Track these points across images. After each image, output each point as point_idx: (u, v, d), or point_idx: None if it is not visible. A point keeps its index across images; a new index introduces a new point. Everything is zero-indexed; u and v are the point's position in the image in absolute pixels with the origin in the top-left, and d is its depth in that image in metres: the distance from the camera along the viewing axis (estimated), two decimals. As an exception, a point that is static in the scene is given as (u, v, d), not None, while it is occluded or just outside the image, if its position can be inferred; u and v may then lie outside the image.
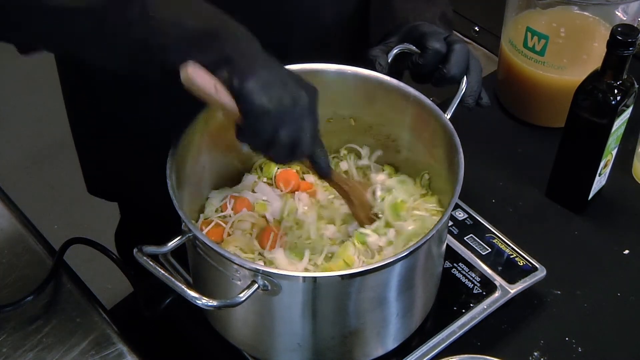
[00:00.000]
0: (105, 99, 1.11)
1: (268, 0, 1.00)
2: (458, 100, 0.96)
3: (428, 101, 0.93)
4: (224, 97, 0.76)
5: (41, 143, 2.52)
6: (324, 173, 0.89)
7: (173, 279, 0.78)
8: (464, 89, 0.96)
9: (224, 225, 0.94)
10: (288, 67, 0.94)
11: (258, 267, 0.78)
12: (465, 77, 0.96)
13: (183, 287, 0.77)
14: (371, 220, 0.94)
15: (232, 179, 1.01)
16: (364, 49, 1.00)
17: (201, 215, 0.97)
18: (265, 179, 1.01)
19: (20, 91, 2.73)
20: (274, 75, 0.77)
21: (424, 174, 0.99)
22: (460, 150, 0.87)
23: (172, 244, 0.81)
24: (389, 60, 0.97)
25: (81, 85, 1.15)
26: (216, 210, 0.97)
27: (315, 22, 1.06)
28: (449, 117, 0.92)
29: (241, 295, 0.77)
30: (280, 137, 0.78)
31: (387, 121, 0.99)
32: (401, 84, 0.95)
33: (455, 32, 1.03)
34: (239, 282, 0.80)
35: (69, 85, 1.18)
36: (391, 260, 0.79)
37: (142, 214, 1.33)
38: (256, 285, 0.78)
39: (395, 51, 0.98)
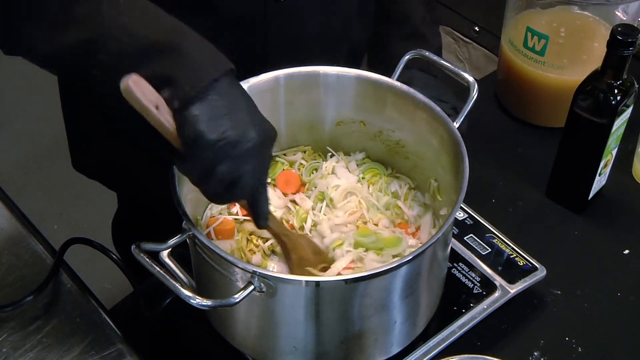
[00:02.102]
0: (102, 98, 1.11)
1: (243, 9, 0.98)
2: (468, 108, 0.94)
3: (437, 108, 0.92)
4: (166, 117, 0.70)
5: (41, 143, 2.51)
6: (260, 222, 0.83)
7: (168, 277, 0.77)
8: (474, 97, 0.94)
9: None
10: (289, 70, 0.95)
11: (255, 269, 0.77)
12: (476, 83, 0.95)
13: (177, 285, 0.76)
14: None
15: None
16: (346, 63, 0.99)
17: (208, 211, 0.97)
18: (269, 180, 1.01)
19: (20, 91, 2.73)
20: (224, 104, 0.71)
21: (431, 181, 0.99)
22: (466, 159, 0.86)
23: (172, 241, 0.80)
24: (401, 67, 0.98)
25: (79, 87, 1.14)
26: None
27: (294, 36, 1.05)
28: (457, 125, 0.91)
29: (236, 296, 0.76)
30: (217, 173, 0.72)
31: (397, 127, 0.99)
32: (411, 90, 0.95)
33: (455, 32, 1.04)
34: (238, 283, 0.80)
35: (66, 83, 1.17)
36: (396, 264, 0.79)
37: (141, 206, 1.33)
38: (252, 287, 0.77)
39: (407, 57, 0.98)
